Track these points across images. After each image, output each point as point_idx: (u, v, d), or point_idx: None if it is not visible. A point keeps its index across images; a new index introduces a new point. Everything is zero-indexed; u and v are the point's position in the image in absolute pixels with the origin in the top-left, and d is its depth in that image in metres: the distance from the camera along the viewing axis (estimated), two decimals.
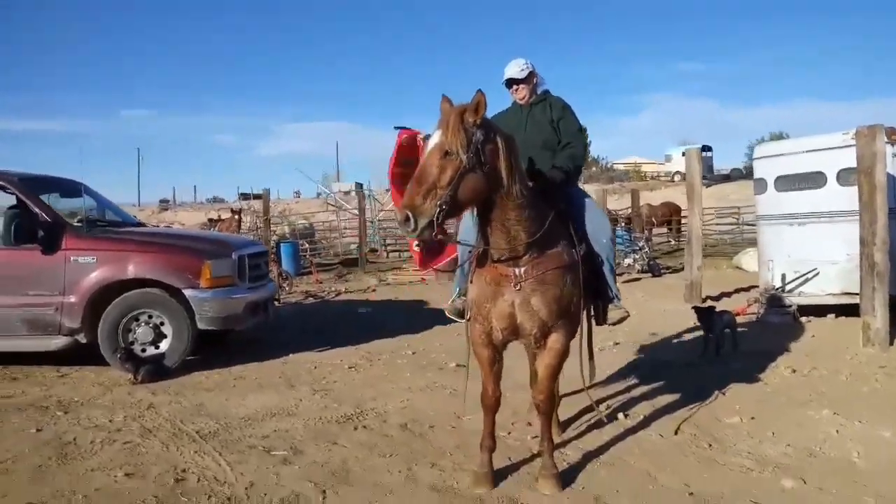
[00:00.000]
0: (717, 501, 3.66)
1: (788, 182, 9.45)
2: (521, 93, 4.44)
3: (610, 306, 4.41)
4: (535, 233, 3.69)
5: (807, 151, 9.21)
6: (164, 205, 57.05)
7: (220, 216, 20.48)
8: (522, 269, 3.72)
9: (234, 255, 6.97)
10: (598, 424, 4.99)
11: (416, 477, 4.09)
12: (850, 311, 8.39)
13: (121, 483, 4.00)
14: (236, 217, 15.70)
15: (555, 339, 3.85)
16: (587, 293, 4.17)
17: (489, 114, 3.58)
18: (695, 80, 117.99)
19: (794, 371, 6.37)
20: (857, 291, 7.72)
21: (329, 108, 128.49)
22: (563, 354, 3.93)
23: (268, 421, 5.19)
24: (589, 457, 4.37)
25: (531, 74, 4.42)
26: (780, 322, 8.86)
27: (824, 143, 9.01)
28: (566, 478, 3.98)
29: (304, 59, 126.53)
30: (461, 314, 4.33)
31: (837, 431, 4.63)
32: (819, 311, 9.06)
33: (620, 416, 5.19)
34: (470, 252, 4.08)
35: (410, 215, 3.20)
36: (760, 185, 9.94)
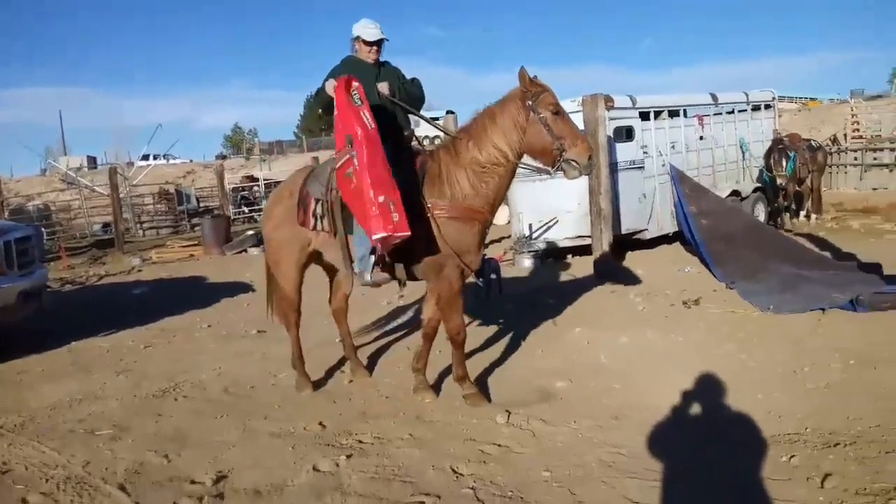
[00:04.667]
0: (509, 405, 4.54)
1: None
2: (378, 54, 4.82)
3: None
4: None
5: None
6: None
7: None
8: None
9: None
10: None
11: (254, 429, 4.44)
12: (584, 251, 10.11)
13: None
14: None
15: None
16: None
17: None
18: (436, 47, 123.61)
19: (549, 302, 7.66)
20: (588, 234, 9.38)
21: (43, 72, 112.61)
22: None
23: (77, 407, 5.09)
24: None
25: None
26: (531, 265, 10.35)
27: None
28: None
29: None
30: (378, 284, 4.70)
31: (588, 342, 5.85)
32: (560, 253, 10.72)
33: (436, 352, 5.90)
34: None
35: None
36: None
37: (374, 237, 4.07)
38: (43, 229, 17.48)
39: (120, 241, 16.26)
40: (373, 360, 5.89)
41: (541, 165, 4.57)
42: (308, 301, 5.41)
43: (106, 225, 20.18)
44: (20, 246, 6.76)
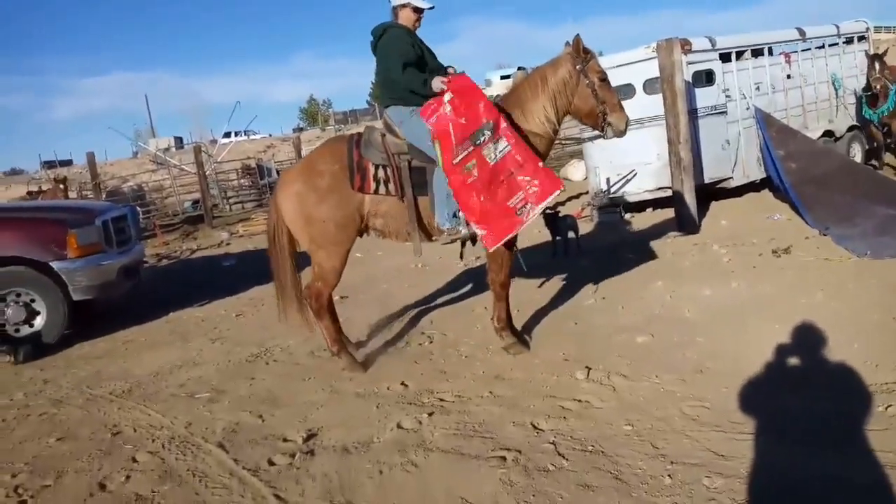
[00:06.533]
0: (589, 361, 4.51)
1: None
2: (420, 22, 4.87)
3: None
4: None
5: (617, 66, 10.28)
6: None
7: (40, 187, 18.78)
8: None
9: (97, 220, 6.83)
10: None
11: (340, 390, 4.60)
12: (665, 203, 9.81)
13: (56, 447, 4.14)
14: (61, 186, 14.61)
15: None
16: None
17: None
18: (504, 3, 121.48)
19: (628, 257, 7.51)
20: (669, 186, 9.07)
21: (130, 58, 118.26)
22: None
23: (177, 373, 5.41)
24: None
25: None
26: (610, 220, 10.14)
27: (630, 57, 10.17)
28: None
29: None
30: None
31: (670, 297, 5.71)
32: (640, 206, 10.45)
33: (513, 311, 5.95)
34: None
35: None
36: None
37: (553, 194, 4.52)
38: (138, 209, 18.48)
39: (209, 217, 16.98)
40: (451, 321, 5.95)
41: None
42: (388, 266, 5.55)
43: (196, 202, 21.11)
44: (117, 224, 7.17)
